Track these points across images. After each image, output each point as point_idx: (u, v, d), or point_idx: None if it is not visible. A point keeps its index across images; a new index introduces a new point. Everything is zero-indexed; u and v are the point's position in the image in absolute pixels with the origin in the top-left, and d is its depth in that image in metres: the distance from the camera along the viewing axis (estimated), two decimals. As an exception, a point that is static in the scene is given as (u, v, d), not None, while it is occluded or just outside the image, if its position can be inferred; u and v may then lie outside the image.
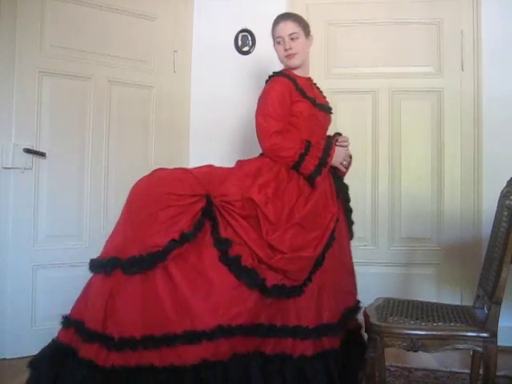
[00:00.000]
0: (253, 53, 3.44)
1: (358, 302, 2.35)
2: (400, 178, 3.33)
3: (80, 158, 3.04)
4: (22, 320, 2.83)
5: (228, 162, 2.48)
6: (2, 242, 2.81)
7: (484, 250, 2.23)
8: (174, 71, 3.40)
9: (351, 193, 2.44)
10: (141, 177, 3.18)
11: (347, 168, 2.44)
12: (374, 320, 1.90)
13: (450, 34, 3.29)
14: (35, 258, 2.88)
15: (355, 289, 2.39)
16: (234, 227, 2.11)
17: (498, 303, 1.81)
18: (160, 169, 2.31)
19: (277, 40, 2.41)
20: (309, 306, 2.12)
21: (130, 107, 3.21)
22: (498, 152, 3.16)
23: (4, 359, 2.78)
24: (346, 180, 2.45)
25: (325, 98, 2.56)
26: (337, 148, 2.33)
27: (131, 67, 3.22)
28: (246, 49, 3.45)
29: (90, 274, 2.24)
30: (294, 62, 2.39)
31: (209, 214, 2.13)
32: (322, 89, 2.60)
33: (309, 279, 2.15)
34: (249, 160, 2.35)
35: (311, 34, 2.45)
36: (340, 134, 2.45)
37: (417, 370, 2.67)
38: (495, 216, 2.10)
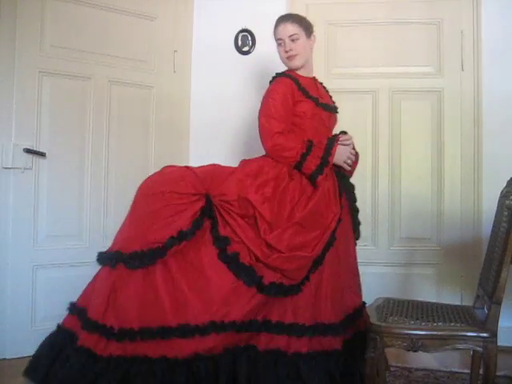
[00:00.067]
0: (253, 53, 3.44)
1: (364, 303, 2.35)
2: (400, 178, 3.33)
3: (80, 157, 3.04)
4: (22, 320, 2.83)
5: (228, 162, 2.49)
6: (2, 242, 2.81)
7: (484, 249, 2.23)
8: (174, 71, 3.39)
9: (352, 193, 2.44)
10: (141, 177, 3.19)
11: (353, 166, 2.44)
12: (374, 320, 1.90)
13: (450, 34, 3.29)
14: (35, 258, 2.88)
15: (360, 289, 2.39)
16: (232, 226, 2.15)
17: (498, 303, 1.81)
18: (168, 166, 2.37)
19: (278, 42, 2.43)
20: (306, 304, 2.15)
21: (130, 107, 3.21)
22: (497, 152, 3.16)
23: (4, 359, 2.78)
24: (347, 179, 2.45)
25: (331, 97, 2.57)
26: (339, 147, 2.33)
27: (131, 67, 3.22)
28: (246, 49, 3.45)
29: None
30: (295, 63, 2.41)
31: (208, 212, 2.17)
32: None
33: (307, 278, 2.16)
34: (251, 159, 2.38)
35: (314, 33, 2.45)
36: (345, 133, 2.45)
37: (417, 369, 2.67)
38: (495, 216, 2.10)
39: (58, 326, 2.23)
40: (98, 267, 2.29)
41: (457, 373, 2.63)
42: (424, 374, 2.62)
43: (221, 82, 3.43)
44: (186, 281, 2.06)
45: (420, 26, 3.32)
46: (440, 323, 1.88)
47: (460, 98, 3.27)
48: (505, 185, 2.05)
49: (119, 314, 2.03)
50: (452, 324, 1.87)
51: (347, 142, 2.37)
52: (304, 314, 2.14)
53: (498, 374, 1.99)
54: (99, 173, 3.09)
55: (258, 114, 2.37)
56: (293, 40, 2.37)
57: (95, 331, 2.03)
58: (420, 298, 2.40)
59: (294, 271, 2.13)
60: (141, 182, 2.30)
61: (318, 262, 2.19)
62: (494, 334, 1.80)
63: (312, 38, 2.44)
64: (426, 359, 2.74)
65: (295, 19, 2.41)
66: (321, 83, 2.59)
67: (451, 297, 3.13)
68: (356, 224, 2.43)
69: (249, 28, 3.43)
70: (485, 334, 1.80)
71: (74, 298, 2.44)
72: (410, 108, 3.34)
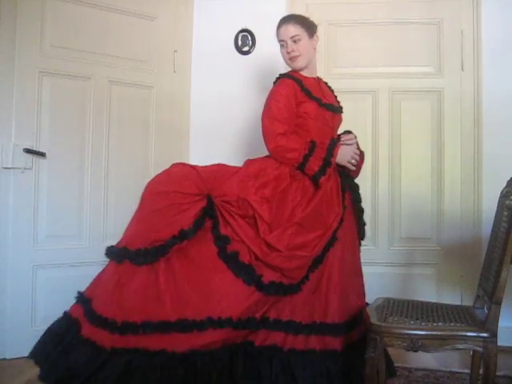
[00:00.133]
0: (253, 53, 3.44)
1: (367, 304, 2.35)
2: (400, 178, 3.33)
3: (80, 157, 3.04)
4: (22, 320, 2.83)
5: (228, 162, 2.49)
6: (2, 242, 2.81)
7: (484, 249, 2.23)
8: (174, 71, 3.39)
9: (352, 193, 2.44)
10: (141, 176, 3.20)
11: (359, 166, 2.44)
12: (374, 320, 1.90)
13: (450, 34, 3.29)
14: (35, 258, 2.88)
15: (363, 291, 2.39)
16: (233, 226, 2.19)
17: (498, 303, 1.81)
18: (175, 165, 2.40)
19: (280, 43, 2.44)
20: (303, 302, 2.17)
21: (130, 107, 3.21)
22: (497, 152, 3.16)
23: (4, 359, 2.78)
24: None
25: (336, 97, 2.57)
26: (342, 147, 2.34)
27: (131, 67, 3.22)
28: (246, 49, 3.45)
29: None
30: (298, 63, 2.41)
31: (210, 212, 2.21)
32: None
33: (306, 277, 2.18)
34: (255, 160, 2.39)
35: (317, 33, 2.45)
36: (349, 132, 2.45)
37: (417, 369, 2.67)
38: (495, 216, 2.10)
39: (65, 313, 2.28)
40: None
41: (457, 373, 2.63)
42: (424, 374, 2.62)
43: (221, 82, 3.43)
44: (187, 278, 2.11)
45: (420, 25, 3.32)
46: (440, 323, 1.88)
47: (460, 98, 3.27)
48: (505, 185, 2.05)
49: (123, 308, 2.08)
50: (452, 324, 1.87)
51: (350, 142, 2.37)
52: (301, 312, 2.16)
53: (498, 373, 1.99)
54: (99, 173, 3.09)
55: (259, 114, 2.38)
56: (295, 41, 2.38)
57: (100, 324, 2.08)
58: (420, 298, 2.40)
59: (293, 270, 2.14)
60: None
61: (317, 261, 2.20)
62: (494, 334, 1.80)
63: (315, 38, 2.44)
64: (426, 359, 2.74)
65: (297, 20, 2.41)
66: (325, 83, 2.59)
67: (451, 297, 3.13)
68: (361, 224, 2.43)
69: (249, 28, 3.43)
70: (485, 334, 1.80)
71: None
72: (409, 108, 3.34)
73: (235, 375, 2.05)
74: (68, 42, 2.99)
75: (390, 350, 2.28)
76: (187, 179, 2.24)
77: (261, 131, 2.37)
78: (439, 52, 3.31)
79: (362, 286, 2.39)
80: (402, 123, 3.34)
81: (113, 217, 3.11)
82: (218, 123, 3.42)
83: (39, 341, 2.25)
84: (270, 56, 3.32)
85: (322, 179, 2.25)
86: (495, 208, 2.12)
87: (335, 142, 2.34)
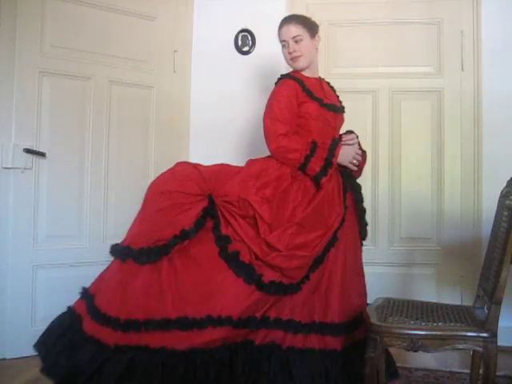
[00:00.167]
0: (253, 53, 3.44)
1: (367, 304, 2.35)
2: (400, 178, 3.33)
3: (80, 157, 3.04)
4: (22, 320, 2.83)
5: (229, 162, 2.49)
6: (2, 242, 2.81)
7: (484, 250, 2.23)
8: (174, 71, 3.39)
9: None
10: (141, 176, 3.21)
11: (361, 165, 2.44)
12: (374, 320, 1.90)
13: (450, 34, 3.29)
14: (35, 258, 2.88)
15: (365, 291, 2.39)
16: (234, 226, 2.20)
17: (498, 303, 1.81)
18: (179, 164, 2.42)
19: (282, 44, 2.44)
20: (304, 302, 2.19)
21: (130, 107, 3.21)
22: (497, 152, 3.16)
23: (4, 359, 2.78)
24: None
25: (338, 97, 2.57)
26: (343, 147, 2.34)
27: (131, 67, 3.21)
28: (246, 49, 3.45)
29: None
30: (300, 64, 2.41)
31: (211, 212, 2.23)
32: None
33: (307, 277, 2.19)
34: (257, 160, 2.40)
35: (318, 33, 2.45)
36: (351, 132, 2.45)
37: (417, 369, 2.67)
38: (495, 216, 2.10)
39: (69, 308, 2.32)
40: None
41: (457, 373, 2.63)
42: (424, 374, 2.62)
43: (221, 82, 3.43)
44: (188, 276, 2.14)
45: (420, 25, 3.32)
46: (440, 323, 1.88)
47: (460, 98, 3.28)
48: (505, 185, 2.05)
49: (127, 306, 2.11)
50: (452, 324, 1.87)
51: (351, 142, 2.37)
52: (301, 311, 2.18)
53: (498, 374, 1.99)
54: (99, 173, 3.09)
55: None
56: (296, 41, 2.38)
57: (104, 322, 2.11)
58: (420, 298, 2.40)
59: (293, 270, 2.15)
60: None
61: (318, 261, 2.20)
62: (494, 334, 1.80)
63: (316, 38, 2.44)
64: (426, 359, 2.74)
65: (298, 20, 2.41)
66: (328, 83, 2.59)
67: (451, 297, 3.14)
68: (363, 224, 2.43)
69: (249, 28, 3.43)
70: (485, 334, 1.80)
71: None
72: (410, 108, 3.34)
73: (235, 374, 2.06)
74: (68, 42, 2.99)
75: (391, 350, 2.28)
76: (190, 179, 2.26)
77: (261, 131, 2.38)
78: (439, 52, 3.31)
79: (364, 286, 2.39)
80: (402, 123, 3.34)
81: (113, 217, 3.11)
82: (218, 123, 3.42)
83: (42, 334, 2.29)
84: (270, 56, 3.32)
85: (324, 180, 2.25)
86: (495, 208, 2.12)
87: (336, 142, 2.34)
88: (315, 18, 2.50)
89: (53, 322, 2.32)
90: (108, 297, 2.17)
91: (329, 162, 2.27)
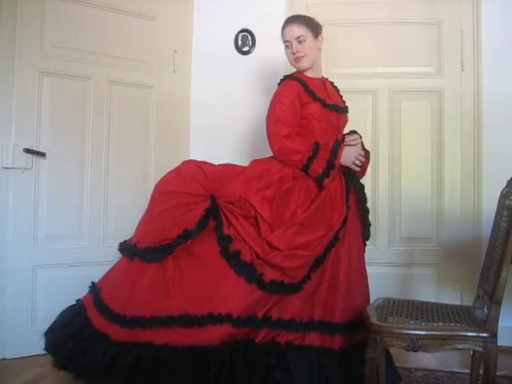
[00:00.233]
0: (253, 53, 3.44)
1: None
2: (400, 178, 3.33)
3: (80, 157, 3.04)
4: (22, 320, 2.83)
5: (229, 162, 2.50)
6: (2, 242, 2.80)
7: (484, 250, 2.23)
8: (174, 71, 3.39)
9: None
10: (141, 177, 3.21)
11: (364, 166, 2.44)
12: (374, 320, 1.90)
13: (450, 34, 3.29)
14: (35, 258, 2.88)
15: (368, 291, 2.39)
16: (236, 226, 2.23)
17: (498, 303, 1.81)
18: (186, 162, 2.50)
19: (285, 44, 2.44)
20: (305, 302, 2.21)
21: (130, 107, 3.21)
22: (497, 152, 3.16)
23: (4, 359, 2.78)
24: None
25: (341, 97, 2.58)
26: (346, 148, 2.34)
27: (131, 67, 3.21)
28: (246, 49, 3.45)
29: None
30: (303, 64, 2.42)
31: (214, 212, 2.26)
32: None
33: (308, 277, 2.20)
34: (260, 160, 2.42)
35: (321, 34, 2.45)
36: (354, 132, 2.45)
37: (417, 369, 2.67)
38: (495, 216, 2.10)
39: (77, 301, 2.39)
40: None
41: (457, 373, 2.63)
42: (424, 374, 2.62)
43: (221, 82, 3.43)
44: (192, 275, 2.19)
45: (420, 25, 3.32)
46: (440, 323, 1.88)
47: (460, 98, 3.27)
48: (505, 185, 2.05)
49: (133, 303, 2.17)
50: (452, 324, 1.87)
51: (354, 143, 2.38)
52: (302, 311, 2.20)
53: (498, 373, 1.99)
54: (99, 173, 3.09)
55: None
56: (300, 41, 2.38)
57: (112, 319, 2.17)
58: (420, 298, 2.40)
59: (294, 269, 2.16)
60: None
61: (319, 261, 2.21)
62: (494, 334, 1.80)
63: (320, 38, 2.45)
64: (426, 359, 2.74)
65: (302, 20, 2.42)
66: (331, 83, 2.59)
67: (451, 297, 3.13)
68: (366, 225, 2.43)
69: (249, 28, 3.42)
70: (485, 334, 1.80)
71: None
72: (410, 108, 3.34)
73: (235, 372, 2.07)
74: (68, 42, 2.99)
75: (391, 350, 2.28)
76: (194, 180, 2.30)
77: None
78: (439, 52, 3.31)
79: (367, 286, 2.39)
80: (402, 123, 3.34)
81: (113, 217, 3.11)
82: (218, 123, 3.42)
83: (51, 327, 2.36)
84: (270, 56, 3.32)
85: (326, 181, 2.26)
86: (495, 208, 2.12)
87: (339, 143, 2.34)
88: (318, 19, 2.50)
89: (61, 315, 2.39)
90: (113, 292, 2.24)
91: (331, 163, 2.27)
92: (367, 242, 2.47)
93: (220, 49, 3.45)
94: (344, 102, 2.57)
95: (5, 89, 2.80)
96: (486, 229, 2.60)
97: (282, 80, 2.46)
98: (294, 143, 2.30)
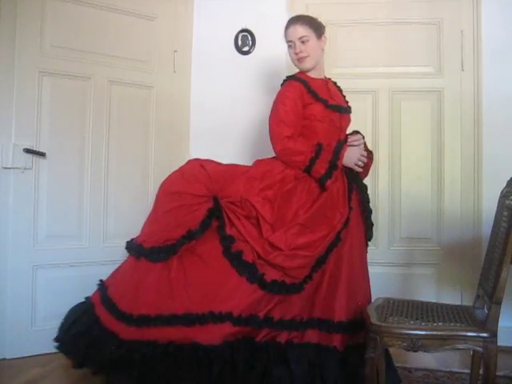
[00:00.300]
0: (253, 53, 3.43)
1: None
2: (400, 178, 3.33)
3: (80, 157, 3.04)
4: (22, 320, 2.83)
5: (229, 162, 2.50)
6: (2, 242, 2.80)
7: (484, 250, 2.23)
8: (174, 71, 3.39)
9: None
10: (141, 176, 3.20)
11: (368, 166, 2.44)
12: (374, 320, 1.90)
13: (450, 34, 3.29)
14: (35, 258, 2.88)
15: (369, 291, 2.39)
16: (237, 226, 2.25)
17: (498, 303, 1.81)
18: (191, 161, 2.50)
19: (288, 44, 2.44)
20: (306, 302, 2.22)
21: (130, 107, 3.21)
22: (497, 152, 3.16)
23: (4, 359, 2.78)
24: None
25: (344, 97, 2.58)
26: (349, 148, 2.35)
27: (131, 67, 3.21)
28: (246, 49, 3.45)
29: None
30: (306, 65, 2.42)
31: (216, 213, 2.28)
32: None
33: (309, 277, 2.21)
34: (262, 160, 2.43)
35: (325, 34, 2.45)
36: (357, 132, 2.45)
37: (417, 369, 2.67)
38: (495, 216, 2.10)
39: (86, 298, 2.43)
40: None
41: (457, 373, 2.63)
42: (424, 374, 2.62)
43: (221, 82, 3.43)
44: (195, 274, 2.22)
45: (420, 25, 3.32)
46: (440, 323, 1.88)
47: (460, 98, 3.27)
48: (505, 185, 2.05)
49: (139, 302, 2.20)
50: (452, 324, 1.87)
51: (357, 143, 2.38)
52: (303, 311, 2.21)
53: (498, 373, 1.99)
54: (99, 173, 3.09)
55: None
56: (303, 42, 2.38)
57: (119, 318, 2.20)
58: (420, 298, 2.40)
59: (295, 269, 2.17)
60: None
61: (321, 261, 2.22)
62: (494, 334, 1.80)
63: (323, 38, 2.45)
64: (426, 359, 2.75)
65: (305, 20, 2.42)
66: (334, 83, 2.60)
67: (451, 297, 3.13)
68: (368, 225, 2.43)
69: (249, 28, 3.42)
70: (485, 334, 1.80)
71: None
72: (410, 108, 3.34)
73: (237, 370, 2.09)
74: (68, 42, 2.99)
75: (391, 350, 2.28)
76: (197, 180, 2.32)
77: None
78: (439, 52, 3.31)
79: (369, 287, 2.40)
80: (402, 123, 3.34)
81: (113, 217, 3.12)
82: (218, 123, 3.42)
83: (62, 326, 2.38)
84: (270, 56, 3.32)
85: (329, 182, 2.26)
86: (495, 208, 2.12)
87: (341, 144, 2.34)
88: (321, 19, 2.50)
89: (71, 310, 2.42)
90: (121, 291, 2.28)
91: (334, 164, 2.28)
92: (368, 243, 2.48)
93: (220, 49, 3.45)
94: (347, 102, 2.57)
95: (5, 89, 2.80)
96: (486, 229, 2.60)
97: (284, 81, 2.45)
98: (296, 144, 2.31)
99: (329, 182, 2.26)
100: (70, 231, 3.01)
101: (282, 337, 2.18)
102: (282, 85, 2.45)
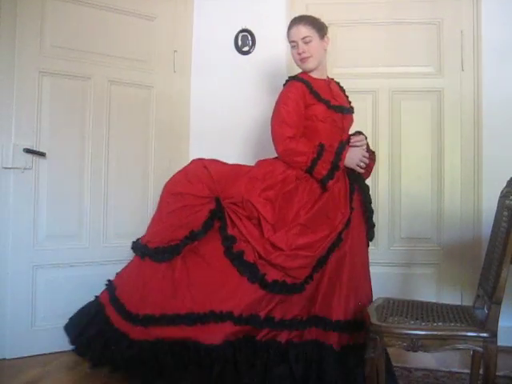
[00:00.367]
0: (253, 53, 3.43)
1: None
2: (400, 178, 3.33)
3: (80, 157, 3.03)
4: (21, 320, 2.83)
5: (229, 162, 2.50)
6: (2, 242, 2.80)
7: (484, 250, 2.23)
8: (174, 71, 3.39)
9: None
10: (141, 176, 3.20)
11: (370, 166, 2.44)
12: (374, 320, 1.90)
13: (450, 33, 3.29)
14: (35, 258, 2.88)
15: (370, 291, 2.40)
16: (239, 226, 2.27)
17: (498, 303, 1.81)
18: (194, 161, 2.53)
19: (291, 44, 2.45)
20: (306, 302, 2.23)
21: (130, 107, 3.21)
22: (497, 152, 3.16)
23: (4, 359, 2.77)
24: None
25: (347, 97, 2.58)
26: (350, 149, 2.35)
27: (131, 67, 3.21)
28: (246, 49, 3.45)
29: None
30: (309, 65, 2.42)
31: (218, 214, 2.31)
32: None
33: (310, 278, 2.22)
34: (264, 161, 2.44)
35: (327, 35, 2.45)
36: (360, 133, 2.45)
37: (417, 369, 2.67)
38: (495, 216, 2.10)
39: (96, 297, 2.49)
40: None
41: (457, 373, 2.63)
42: (424, 374, 2.62)
43: (221, 82, 3.43)
44: (198, 274, 2.25)
45: (420, 25, 3.32)
46: (440, 323, 1.88)
47: (460, 98, 3.27)
48: (505, 185, 2.05)
49: (146, 302, 2.25)
50: (452, 324, 1.87)
51: (359, 144, 2.38)
52: (303, 311, 2.23)
53: (498, 374, 1.99)
54: (99, 173, 3.08)
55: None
56: (306, 42, 2.39)
57: (127, 318, 2.26)
58: (420, 298, 2.40)
59: (296, 270, 2.17)
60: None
61: (322, 261, 2.23)
62: (494, 334, 1.80)
63: (325, 39, 2.45)
64: (426, 359, 2.74)
65: (308, 21, 2.42)
66: (337, 83, 2.60)
67: (451, 297, 3.13)
68: (370, 225, 2.43)
69: (249, 28, 3.42)
70: (485, 334, 1.80)
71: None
72: (410, 108, 3.34)
73: (239, 370, 2.10)
74: (68, 42, 2.99)
75: (391, 350, 2.28)
76: (200, 181, 2.35)
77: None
78: (439, 52, 3.31)
79: (370, 287, 2.40)
80: (401, 123, 3.34)
81: (113, 217, 3.11)
82: (218, 123, 3.42)
83: (72, 325, 2.44)
84: (270, 56, 3.32)
85: (330, 183, 2.27)
86: (495, 208, 2.12)
87: (343, 145, 2.35)
88: (324, 19, 2.50)
89: (82, 311, 2.46)
90: (128, 290, 2.34)
91: (335, 165, 2.28)
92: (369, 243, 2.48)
93: (220, 49, 3.45)
94: (350, 103, 2.58)
95: (5, 88, 2.80)
96: (486, 229, 2.60)
97: (286, 81, 2.46)
98: (298, 145, 2.31)
99: (330, 183, 2.26)
100: (70, 231, 3.01)
101: (283, 336, 2.19)
102: (284, 85, 2.45)
